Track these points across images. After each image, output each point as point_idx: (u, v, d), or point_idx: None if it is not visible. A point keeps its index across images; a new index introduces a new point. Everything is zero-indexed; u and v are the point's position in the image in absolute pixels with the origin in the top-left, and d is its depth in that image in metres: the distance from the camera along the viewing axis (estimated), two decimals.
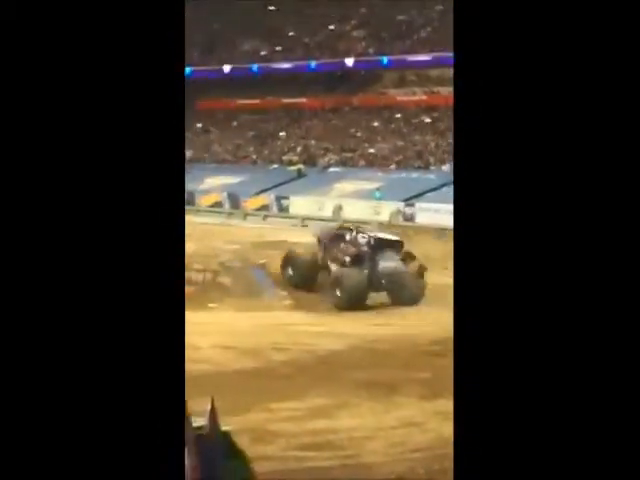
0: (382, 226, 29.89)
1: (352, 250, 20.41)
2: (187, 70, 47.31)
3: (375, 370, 14.42)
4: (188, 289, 21.80)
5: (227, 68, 49.91)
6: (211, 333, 17.74)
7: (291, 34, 52.97)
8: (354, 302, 19.51)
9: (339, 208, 39.06)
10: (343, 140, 47.15)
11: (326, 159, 46.15)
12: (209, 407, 8.52)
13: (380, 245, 20.38)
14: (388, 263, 20.08)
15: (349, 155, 45.92)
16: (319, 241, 21.46)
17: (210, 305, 21.13)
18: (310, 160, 46.23)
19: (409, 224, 34.99)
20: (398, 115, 47.39)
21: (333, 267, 20.52)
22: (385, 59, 46.95)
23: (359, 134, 47.43)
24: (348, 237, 20.80)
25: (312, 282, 21.14)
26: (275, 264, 22.64)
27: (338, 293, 19.73)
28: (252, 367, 15.23)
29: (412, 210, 37.46)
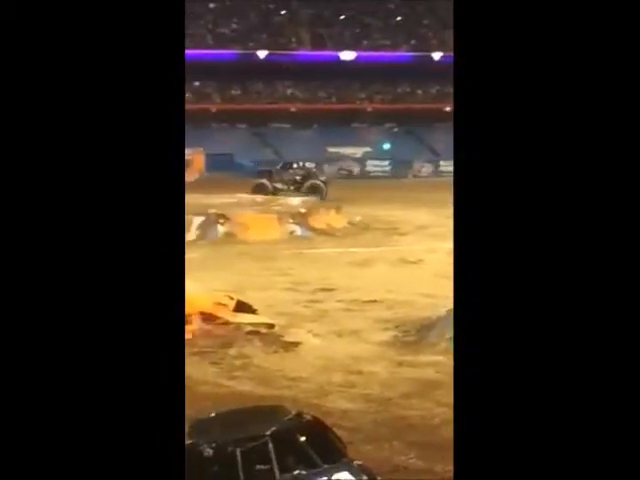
0: None
1: (302, 172, 37.65)
2: None
3: None
4: None
5: None
6: None
7: None
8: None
9: None
10: None
11: None
12: None
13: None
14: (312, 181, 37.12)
15: None
16: (269, 172, 37.38)
17: None
18: None
19: None
20: None
21: (279, 185, 36.54)
22: None
23: None
24: (295, 166, 38.07)
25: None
26: None
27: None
28: None
29: None
